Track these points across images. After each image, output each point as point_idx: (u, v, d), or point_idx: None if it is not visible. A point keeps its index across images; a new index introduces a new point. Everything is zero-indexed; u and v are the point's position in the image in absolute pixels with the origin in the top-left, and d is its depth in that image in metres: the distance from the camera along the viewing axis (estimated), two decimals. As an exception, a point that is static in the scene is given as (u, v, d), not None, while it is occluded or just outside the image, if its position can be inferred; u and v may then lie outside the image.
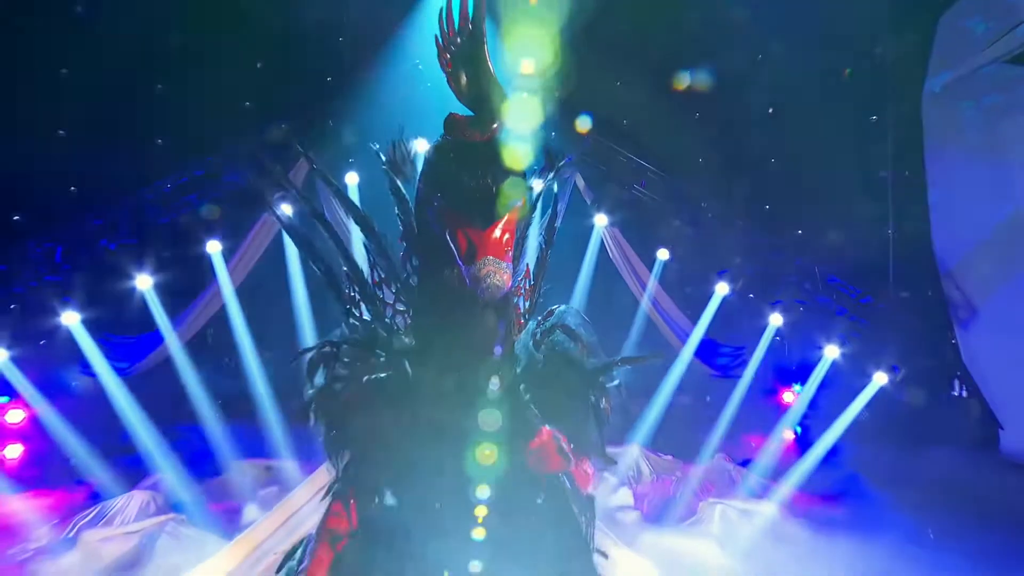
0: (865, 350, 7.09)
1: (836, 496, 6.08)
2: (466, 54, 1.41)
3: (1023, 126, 7.63)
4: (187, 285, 6.50)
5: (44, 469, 6.16)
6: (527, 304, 2.00)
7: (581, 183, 6.92)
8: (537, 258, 2.04)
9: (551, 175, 1.85)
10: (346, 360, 1.58)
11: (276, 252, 7.00)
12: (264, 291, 7.33)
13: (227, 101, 10.23)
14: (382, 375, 1.51)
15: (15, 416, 6.29)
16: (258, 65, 10.57)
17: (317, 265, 1.87)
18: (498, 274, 1.32)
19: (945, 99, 8.55)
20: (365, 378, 1.47)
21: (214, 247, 6.12)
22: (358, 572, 1.44)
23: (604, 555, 1.96)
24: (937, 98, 8.72)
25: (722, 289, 6.69)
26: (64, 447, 6.15)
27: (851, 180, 9.49)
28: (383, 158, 1.79)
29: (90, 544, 4.65)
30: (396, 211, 1.75)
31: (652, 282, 6.79)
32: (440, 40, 1.42)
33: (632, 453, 6.59)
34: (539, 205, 1.97)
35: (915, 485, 6.30)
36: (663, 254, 6.76)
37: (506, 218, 1.35)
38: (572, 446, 1.48)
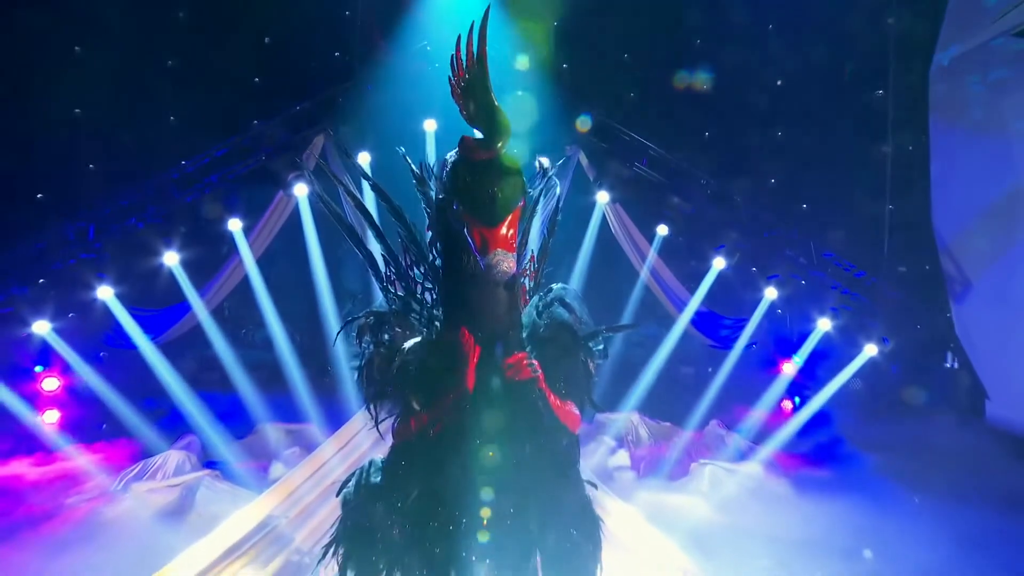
0: (863, 323, 7.51)
1: (821, 459, 6.59)
2: (473, 88, 1.80)
3: (1026, 102, 7.82)
4: (210, 260, 6.97)
5: (80, 433, 6.75)
6: (532, 283, 2.45)
7: (584, 161, 7.25)
8: (540, 245, 2.48)
9: (544, 181, 2.26)
10: (387, 327, 2.04)
11: (290, 228, 7.46)
12: (278, 266, 7.80)
13: (239, 78, 10.54)
14: (417, 339, 1.97)
15: (51, 384, 6.88)
16: (265, 40, 10.84)
17: (361, 250, 2.32)
18: (506, 262, 1.75)
19: (952, 73, 8.72)
20: (406, 344, 1.94)
21: (235, 224, 6.58)
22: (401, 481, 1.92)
23: (594, 485, 2.44)
24: (945, 72, 8.87)
25: (719, 263, 7.09)
26: (100, 411, 6.77)
27: (852, 155, 9.75)
28: (411, 166, 2.19)
29: (139, 494, 5.30)
30: (423, 207, 2.18)
31: (652, 255, 7.19)
32: (451, 78, 1.83)
33: (632, 419, 7.12)
34: (540, 203, 2.39)
35: (900, 451, 6.77)
36: (662, 230, 7.14)
37: (509, 218, 1.78)
38: (564, 391, 1.95)
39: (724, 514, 5.12)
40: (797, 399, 7.95)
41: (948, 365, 8.40)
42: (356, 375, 2.11)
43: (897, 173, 9.34)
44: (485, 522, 1.82)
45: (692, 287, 7.80)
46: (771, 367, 7.96)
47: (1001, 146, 8.02)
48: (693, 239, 7.94)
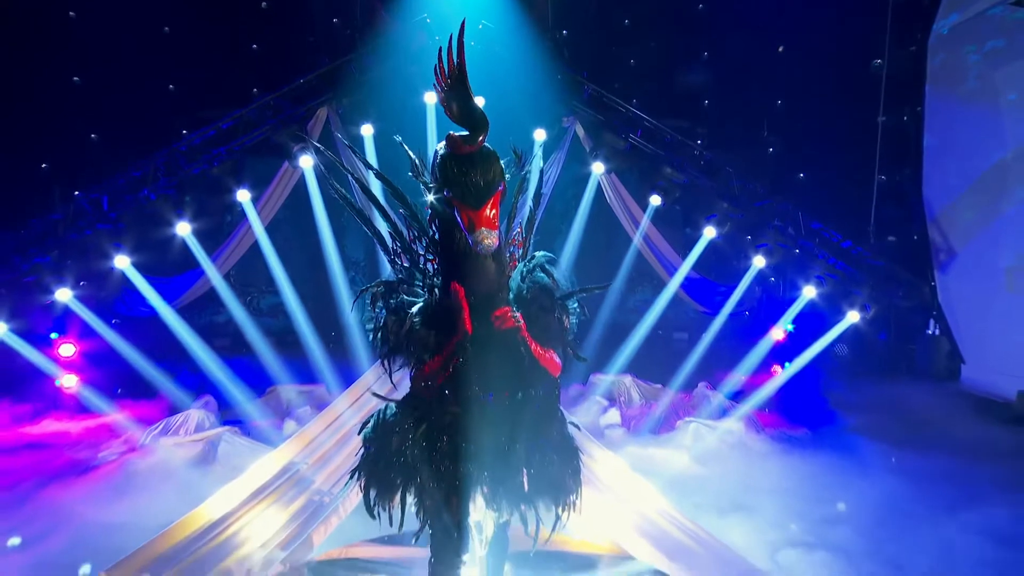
0: (848, 291, 7.92)
1: (801, 418, 7.11)
2: (455, 92, 2.16)
3: (1019, 74, 8.02)
4: (219, 229, 7.37)
5: (104, 393, 7.23)
6: (520, 252, 2.87)
7: (581, 132, 7.55)
8: (527, 218, 2.87)
9: (524, 167, 2.65)
10: (396, 294, 2.47)
11: (294, 199, 7.81)
12: (282, 234, 8.19)
13: (237, 46, 10.68)
14: (421, 304, 2.41)
15: (67, 350, 7.38)
16: (262, 4, 10.93)
17: (369, 228, 2.72)
18: (490, 238, 2.13)
19: (951, 42, 8.87)
20: (414, 309, 2.37)
21: (244, 195, 6.95)
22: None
23: (577, 426, 2.91)
24: (943, 41, 9.03)
25: (710, 232, 7.47)
26: (115, 375, 7.27)
27: (848, 125, 9.97)
28: (411, 155, 2.57)
29: (166, 448, 5.86)
30: (422, 189, 2.57)
31: (645, 222, 7.56)
32: (436, 83, 2.19)
33: (625, 382, 7.63)
34: (526, 183, 2.78)
35: (876, 412, 7.28)
36: (655, 200, 7.49)
37: (491, 200, 2.16)
38: (545, 342, 2.39)
39: (704, 465, 5.66)
40: (788, 364, 8.47)
41: (930, 332, 8.85)
42: (372, 336, 2.55)
43: (891, 144, 9.59)
44: (482, 447, 2.30)
45: (685, 255, 8.19)
46: (763, 334, 8.43)
47: (992, 117, 8.25)
48: (686, 209, 8.30)
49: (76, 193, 6.86)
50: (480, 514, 2.46)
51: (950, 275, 8.57)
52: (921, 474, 5.59)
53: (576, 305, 2.53)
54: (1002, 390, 7.49)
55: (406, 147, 2.60)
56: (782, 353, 8.26)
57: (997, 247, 7.94)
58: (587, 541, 4.09)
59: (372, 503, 2.50)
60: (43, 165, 10.32)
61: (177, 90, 11.13)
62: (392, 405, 2.61)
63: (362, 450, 2.58)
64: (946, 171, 8.78)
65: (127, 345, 6.78)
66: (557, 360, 2.46)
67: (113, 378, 7.42)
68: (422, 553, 3.07)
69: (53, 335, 7.46)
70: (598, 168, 7.35)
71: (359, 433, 2.62)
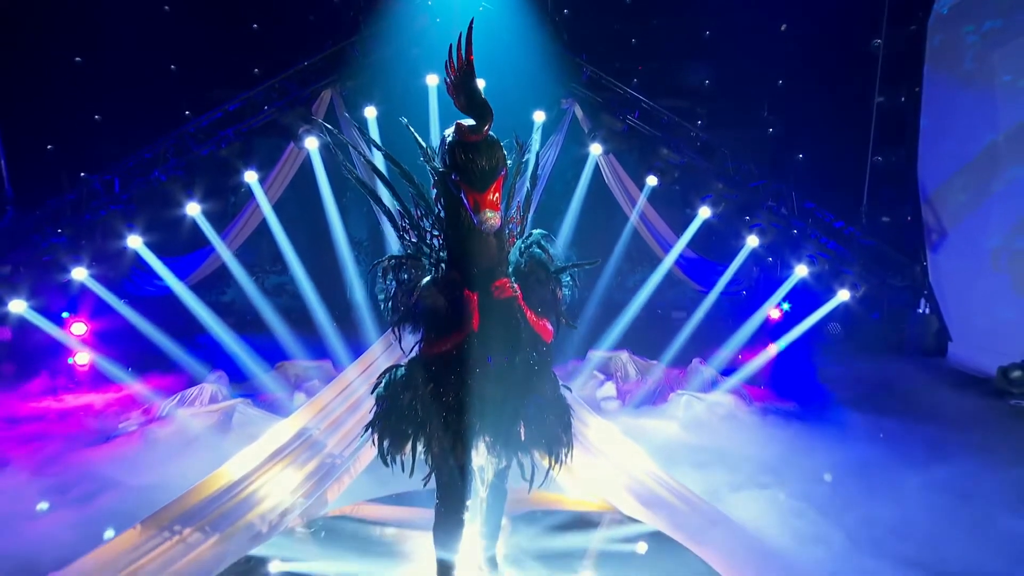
0: (839, 271, 8.20)
1: (789, 392, 7.48)
2: (463, 85, 2.42)
3: (1015, 55, 8.20)
4: (226, 209, 7.65)
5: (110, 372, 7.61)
6: (518, 229, 3.17)
7: (580, 113, 7.78)
8: (525, 198, 3.17)
9: (524, 154, 2.93)
10: (404, 268, 2.78)
11: (296, 180, 8.07)
12: (284, 214, 8.47)
13: (238, 24, 10.80)
14: (428, 277, 2.72)
15: (79, 329, 7.72)
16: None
17: (380, 207, 3.02)
18: (493, 219, 2.41)
19: (950, 22, 9.02)
20: (422, 282, 2.69)
21: (251, 176, 7.22)
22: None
23: (568, 389, 3.24)
24: (943, 21, 9.18)
25: (704, 212, 7.75)
26: (125, 352, 7.60)
27: (847, 106, 10.17)
28: (419, 141, 2.85)
29: (183, 418, 6.25)
30: (429, 171, 2.86)
31: (642, 200, 7.83)
32: (446, 78, 2.46)
33: (622, 358, 7.98)
34: (524, 167, 3.07)
35: (862, 387, 7.65)
36: (651, 180, 7.76)
37: (494, 184, 2.45)
38: (540, 311, 2.71)
39: (693, 434, 6.03)
40: (783, 343, 8.82)
41: (920, 311, 9.18)
42: (383, 305, 2.87)
43: (888, 124, 9.80)
44: (484, 402, 2.64)
45: (681, 234, 8.47)
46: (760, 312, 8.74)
47: (987, 99, 8.46)
48: (684, 189, 8.55)
49: (83, 175, 7.16)
50: (482, 460, 2.81)
51: (941, 255, 8.86)
52: (899, 441, 5.98)
53: (569, 279, 2.84)
54: (985, 367, 7.84)
55: (414, 132, 2.87)
56: (778, 332, 8.60)
57: (985, 227, 8.22)
58: (580, 499, 4.46)
59: (385, 453, 2.85)
60: (48, 147, 10.55)
61: (178, 70, 11.31)
62: (402, 367, 2.93)
63: (375, 407, 2.92)
64: (941, 152, 9.01)
65: (144, 321, 7.11)
66: (550, 328, 2.78)
67: (123, 356, 7.78)
68: (426, 512, 3.47)
69: (64, 314, 7.81)
70: (596, 149, 7.60)
71: (372, 392, 2.95)
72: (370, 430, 2.90)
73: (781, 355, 8.37)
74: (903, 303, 9.42)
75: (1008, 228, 7.99)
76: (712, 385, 7.02)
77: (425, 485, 2.87)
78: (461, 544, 2.98)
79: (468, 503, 2.94)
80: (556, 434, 2.86)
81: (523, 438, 2.74)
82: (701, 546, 3.85)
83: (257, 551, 3.80)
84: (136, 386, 6.86)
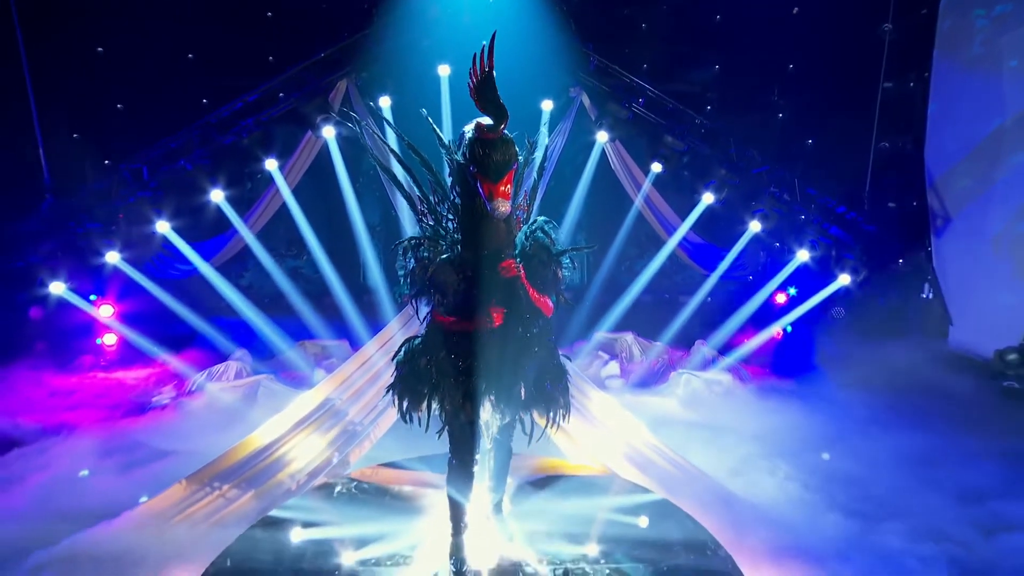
0: (841, 256, 8.50)
1: (788, 373, 7.85)
2: (484, 90, 2.84)
3: (1023, 40, 8.36)
4: (242, 196, 8.11)
5: (136, 351, 8.11)
6: (524, 215, 3.58)
7: (587, 101, 8.12)
8: (532, 187, 3.58)
9: (533, 150, 3.33)
10: (423, 247, 3.22)
11: (314, 166, 8.51)
12: (299, 200, 8.93)
13: (253, 12, 11.16)
14: (445, 255, 3.16)
15: (106, 311, 8.26)
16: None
17: (402, 192, 3.45)
18: (504, 206, 2.82)
19: (961, 6, 9.17)
20: (439, 258, 3.12)
21: (272, 164, 7.69)
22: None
23: (568, 358, 3.67)
24: (954, 4, 9.33)
25: (708, 198, 8.09)
26: (150, 333, 8.10)
27: (856, 91, 10.34)
28: (439, 135, 3.27)
29: (213, 392, 6.80)
30: (447, 161, 3.27)
31: (647, 185, 8.19)
32: (469, 82, 2.87)
33: (627, 339, 8.40)
34: (533, 161, 3.48)
35: (861, 369, 7.97)
36: (656, 167, 8.10)
37: (507, 176, 2.87)
38: (541, 289, 3.14)
39: (690, 409, 6.46)
40: (789, 327, 9.16)
41: (924, 295, 9.45)
42: (402, 280, 3.31)
43: (897, 110, 9.97)
44: (489, 365, 3.09)
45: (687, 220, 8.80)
46: (766, 297, 9.07)
47: (994, 84, 8.63)
48: (693, 176, 8.87)
49: (107, 162, 7.65)
50: (487, 416, 3.26)
51: (945, 240, 9.11)
52: (886, 415, 6.38)
53: (568, 261, 3.27)
54: (984, 349, 8.13)
55: (436, 128, 3.29)
56: (783, 316, 8.96)
57: (988, 213, 8.46)
58: (582, 465, 4.93)
59: (404, 411, 3.31)
60: (74, 135, 11.08)
61: (195, 58, 11.74)
62: (419, 337, 3.39)
63: (395, 372, 3.38)
64: (947, 138, 9.20)
65: (175, 301, 7.65)
66: (551, 304, 3.22)
67: (149, 336, 8.31)
68: (438, 476, 3.96)
69: (92, 297, 8.36)
70: (602, 137, 7.95)
71: (392, 359, 3.42)
72: (391, 391, 3.37)
73: (785, 338, 8.74)
74: (908, 288, 9.69)
75: (1011, 214, 8.24)
76: (710, 363, 7.42)
77: (439, 437, 3.34)
78: (471, 493, 3.45)
79: (477, 457, 3.40)
80: (553, 397, 3.30)
81: (523, 398, 3.18)
82: (690, 505, 4.30)
83: (287, 505, 4.32)
84: (170, 360, 7.40)
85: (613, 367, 7.55)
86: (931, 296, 9.36)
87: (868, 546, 4.14)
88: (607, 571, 3.60)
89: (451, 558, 3.47)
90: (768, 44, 10.97)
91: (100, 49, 11.49)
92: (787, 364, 8.08)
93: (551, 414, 3.31)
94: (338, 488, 4.57)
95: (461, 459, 3.33)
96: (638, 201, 8.19)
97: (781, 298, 9.12)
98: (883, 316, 9.87)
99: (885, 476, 5.11)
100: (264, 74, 9.11)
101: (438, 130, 3.27)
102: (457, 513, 3.45)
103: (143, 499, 4.55)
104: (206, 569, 3.61)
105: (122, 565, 3.83)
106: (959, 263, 8.88)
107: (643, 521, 4.09)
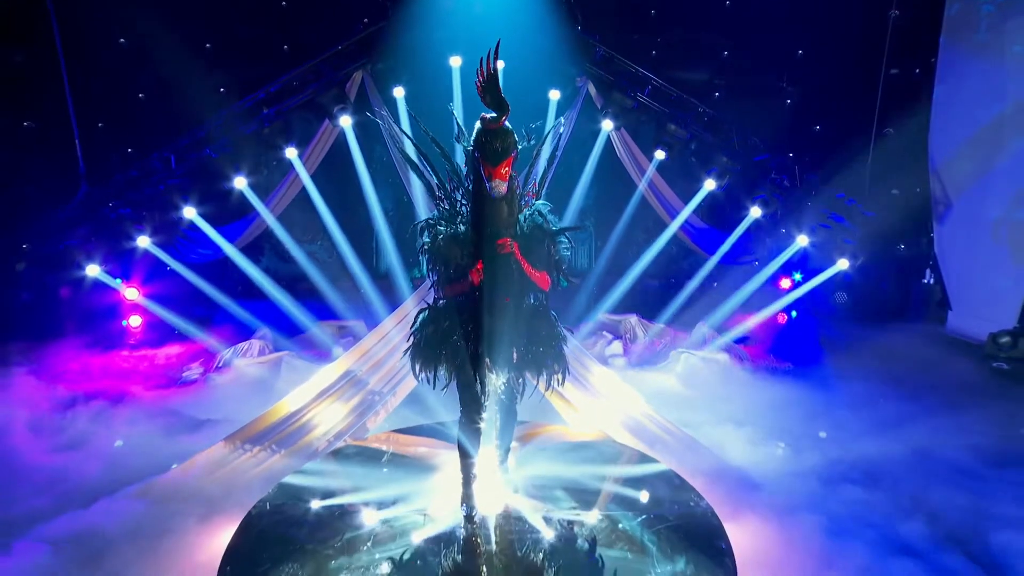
0: (844, 241, 8.86)
1: (787, 354, 8.27)
2: (489, 88, 3.32)
3: (1025, 27, 8.59)
4: (258, 184, 8.63)
5: (161, 332, 8.71)
6: (530, 200, 4.08)
7: (593, 91, 8.53)
8: (541, 175, 4.06)
9: (530, 142, 3.82)
10: (440, 227, 3.73)
11: (330, 155, 9.02)
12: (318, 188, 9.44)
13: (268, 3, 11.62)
14: (458, 231, 3.67)
15: (131, 294, 8.85)
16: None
17: (422, 179, 3.97)
18: (500, 187, 3.32)
19: (969, -8, 9.38)
20: (451, 234, 3.64)
21: (292, 152, 8.23)
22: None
23: (570, 331, 4.17)
24: (962, -10, 9.54)
25: (710, 184, 8.50)
26: (177, 313, 8.68)
27: (864, 76, 10.60)
28: (459, 125, 3.77)
29: (240, 367, 7.40)
30: (463, 150, 3.76)
31: (651, 171, 8.61)
32: (476, 81, 3.36)
33: (631, 321, 8.87)
34: (541, 150, 3.96)
35: (859, 351, 8.38)
36: (660, 154, 8.52)
37: (506, 161, 3.34)
38: (538, 265, 3.64)
39: (687, 385, 6.94)
40: (794, 312, 9.57)
41: (925, 281, 9.80)
42: (420, 255, 3.84)
43: (903, 95, 10.24)
44: (491, 332, 3.61)
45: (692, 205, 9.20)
46: (771, 282, 9.46)
47: (998, 70, 8.88)
48: (694, 161, 9.24)
49: (130, 150, 8.22)
50: (487, 375, 3.79)
51: (946, 225, 9.43)
52: (876, 392, 6.82)
53: (565, 240, 3.77)
54: (980, 334, 8.49)
55: (457, 119, 3.82)
56: (790, 302, 9.37)
57: (987, 198, 8.77)
58: (582, 432, 5.45)
59: (418, 372, 3.85)
60: (99, 124, 11.69)
61: (213, 48, 12.27)
62: (430, 308, 3.92)
63: (411, 339, 3.91)
64: (951, 124, 9.47)
65: (203, 281, 8.25)
66: (548, 279, 3.73)
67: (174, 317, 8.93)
68: (448, 444, 4.49)
69: (117, 280, 8.97)
70: (607, 125, 8.37)
71: (411, 328, 3.95)
72: (409, 354, 3.91)
73: (789, 323, 9.16)
74: (909, 273, 10.04)
75: (1009, 200, 8.54)
76: (708, 342, 7.89)
77: (444, 390, 3.88)
78: (479, 447, 3.98)
79: (484, 415, 3.92)
80: (547, 362, 3.82)
81: (515, 360, 3.71)
82: (679, 467, 4.81)
83: (314, 463, 4.90)
84: (206, 337, 8.01)
85: (616, 347, 8.04)
86: (932, 281, 9.71)
87: (838, 500, 4.62)
88: (599, 516, 4.13)
89: (462, 504, 4.02)
90: (777, 29, 11.24)
91: (122, 40, 12.06)
92: (788, 347, 8.50)
93: (544, 376, 3.83)
94: (358, 449, 5.14)
95: (468, 416, 3.87)
96: (642, 186, 8.62)
97: (786, 283, 9.51)
98: (885, 301, 10.24)
99: (866, 443, 5.58)
100: (279, 63, 9.60)
101: (460, 125, 3.78)
102: (467, 464, 3.99)
103: (174, 466, 5.10)
104: (248, 512, 4.20)
105: (173, 511, 4.42)
106: (959, 248, 9.21)
107: (634, 478, 4.61)
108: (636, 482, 4.55)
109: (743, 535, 4.04)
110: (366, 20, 8.98)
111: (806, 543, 4.07)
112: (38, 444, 5.57)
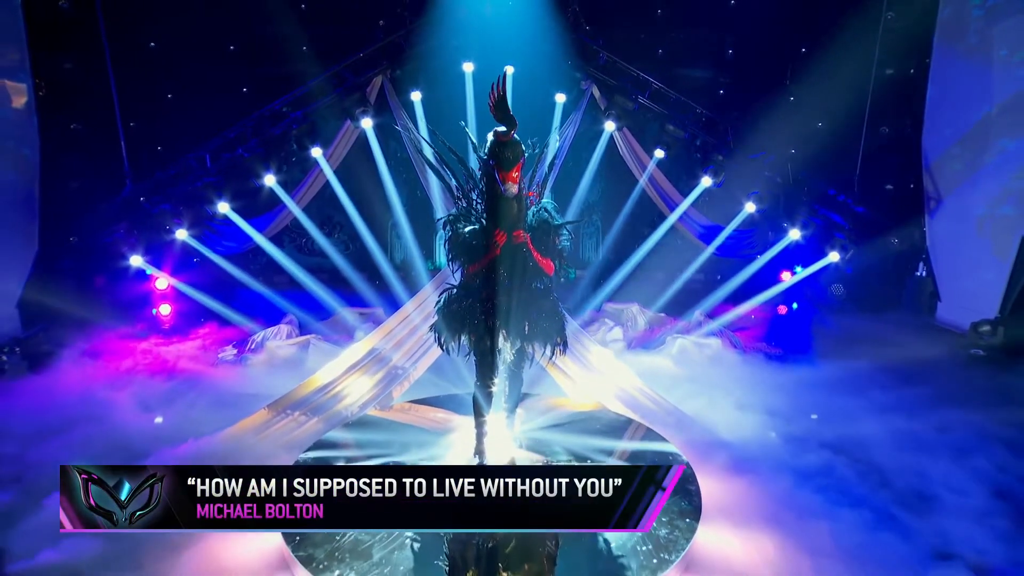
0: (834, 236, 9.64)
1: (778, 340, 9.09)
2: (500, 107, 4.19)
3: (1013, 30, 9.31)
4: (284, 183, 9.57)
5: (189, 319, 9.66)
6: (535, 199, 4.97)
7: (597, 93, 9.39)
8: (544, 177, 4.94)
9: (539, 147, 4.71)
10: (459, 222, 4.63)
11: (356, 155, 9.94)
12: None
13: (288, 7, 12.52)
14: (475, 226, 4.57)
15: (162, 283, 9.81)
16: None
17: (444, 182, 4.88)
18: (512, 188, 4.18)
19: (961, -3, 10.09)
20: (468, 229, 4.55)
21: (317, 152, 9.18)
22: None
23: (566, 310, 5.07)
24: (955, -6, 10.25)
25: (706, 181, 9.33)
26: (200, 304, 9.59)
27: (860, 76, 11.30)
28: (471, 140, 4.67)
29: (271, 349, 8.38)
30: (476, 157, 4.66)
31: (651, 167, 9.46)
32: (489, 101, 4.25)
33: (633, 309, 9.73)
34: (546, 154, 4.84)
35: (849, 340, 9.16)
36: (659, 153, 9.37)
37: (516, 166, 4.22)
38: (544, 253, 4.53)
39: (680, 366, 7.81)
40: (795, 304, 10.38)
41: (918, 274, 10.55)
42: (444, 244, 4.75)
43: (897, 95, 10.95)
44: (503, 309, 4.52)
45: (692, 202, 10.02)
46: (771, 274, 10.21)
47: (985, 72, 9.61)
48: (697, 156, 10.05)
49: (159, 148, 9.20)
50: (502, 343, 4.70)
51: (937, 221, 10.19)
52: (859, 376, 7.63)
53: (566, 233, 4.66)
54: (965, 323, 9.24)
55: (471, 136, 4.71)
56: (787, 294, 10.16)
57: (974, 196, 9.52)
58: (580, 403, 6.35)
59: (442, 342, 4.77)
60: (131, 124, 12.70)
61: (237, 50, 13.21)
62: (454, 287, 4.84)
63: (436, 314, 4.83)
64: (943, 124, 10.21)
65: (239, 270, 9.23)
66: (552, 265, 4.63)
67: (200, 307, 9.86)
68: (464, 416, 5.38)
69: (148, 270, 9.94)
70: (609, 126, 9.23)
71: (435, 306, 4.86)
72: (433, 329, 4.83)
73: (787, 313, 9.99)
74: (903, 266, 10.78)
75: (993, 197, 9.29)
76: (699, 326, 8.74)
77: (466, 357, 4.79)
78: (491, 406, 4.89)
79: (496, 380, 4.83)
80: (550, 335, 4.72)
81: (526, 331, 4.61)
82: (664, 431, 5.69)
83: (344, 428, 5.84)
84: (243, 321, 8.98)
85: (617, 333, 8.91)
86: (924, 274, 10.46)
87: (804, 462, 5.48)
88: (588, 463, 5.03)
89: (475, 452, 4.94)
90: (781, 27, 11.95)
91: (152, 44, 13.06)
92: (782, 335, 9.31)
93: (547, 348, 4.73)
94: (384, 416, 6.08)
95: (483, 380, 4.78)
96: (643, 181, 9.46)
97: (787, 276, 10.28)
98: (879, 293, 10.98)
99: (839, 418, 6.42)
100: (299, 63, 10.46)
101: (473, 138, 4.68)
102: (480, 422, 4.91)
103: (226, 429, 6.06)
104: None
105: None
106: (948, 242, 9.96)
107: (622, 438, 5.50)
108: (623, 440, 5.45)
109: (712, 482, 4.92)
110: (382, 22, 9.86)
111: (767, 491, 4.93)
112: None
